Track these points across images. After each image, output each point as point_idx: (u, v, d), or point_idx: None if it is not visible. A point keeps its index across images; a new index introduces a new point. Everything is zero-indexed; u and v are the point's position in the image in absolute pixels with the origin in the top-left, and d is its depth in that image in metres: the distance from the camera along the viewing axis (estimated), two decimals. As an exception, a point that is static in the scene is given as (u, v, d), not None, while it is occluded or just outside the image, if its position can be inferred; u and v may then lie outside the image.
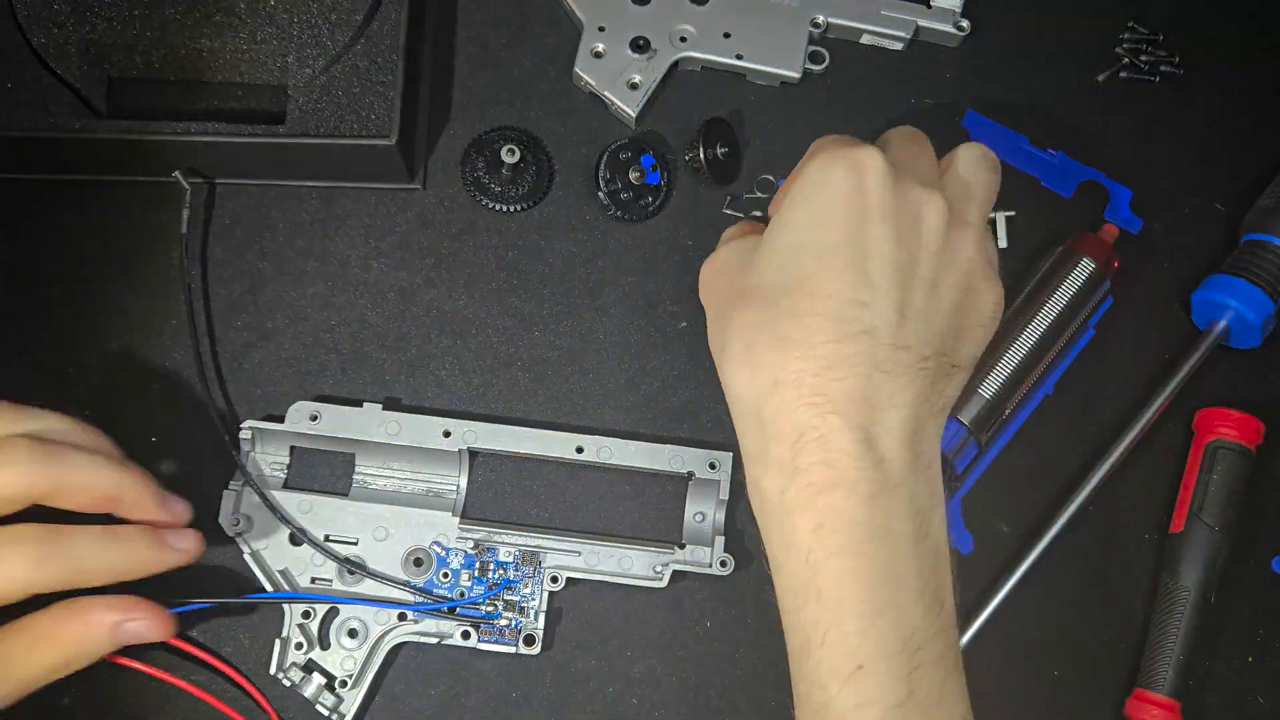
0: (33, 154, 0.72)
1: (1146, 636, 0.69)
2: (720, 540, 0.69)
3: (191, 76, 0.72)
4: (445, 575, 0.68)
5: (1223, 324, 0.72)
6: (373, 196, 0.75)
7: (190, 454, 0.70)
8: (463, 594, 0.68)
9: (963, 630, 0.69)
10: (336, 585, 0.67)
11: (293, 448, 0.69)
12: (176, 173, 0.71)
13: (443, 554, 0.68)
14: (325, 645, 0.66)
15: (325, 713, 0.66)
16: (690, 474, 0.69)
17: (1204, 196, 0.77)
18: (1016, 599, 0.70)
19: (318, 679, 0.65)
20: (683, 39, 0.77)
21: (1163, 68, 0.79)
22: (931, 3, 0.78)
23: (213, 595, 0.66)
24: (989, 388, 0.70)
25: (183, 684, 0.64)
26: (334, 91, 0.71)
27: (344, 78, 0.71)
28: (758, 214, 0.74)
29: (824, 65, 0.78)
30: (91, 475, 0.54)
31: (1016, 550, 0.71)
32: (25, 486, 0.52)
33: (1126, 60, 0.79)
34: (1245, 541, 0.71)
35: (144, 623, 0.56)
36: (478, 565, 0.68)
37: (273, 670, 0.66)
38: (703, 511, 0.70)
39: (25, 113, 0.69)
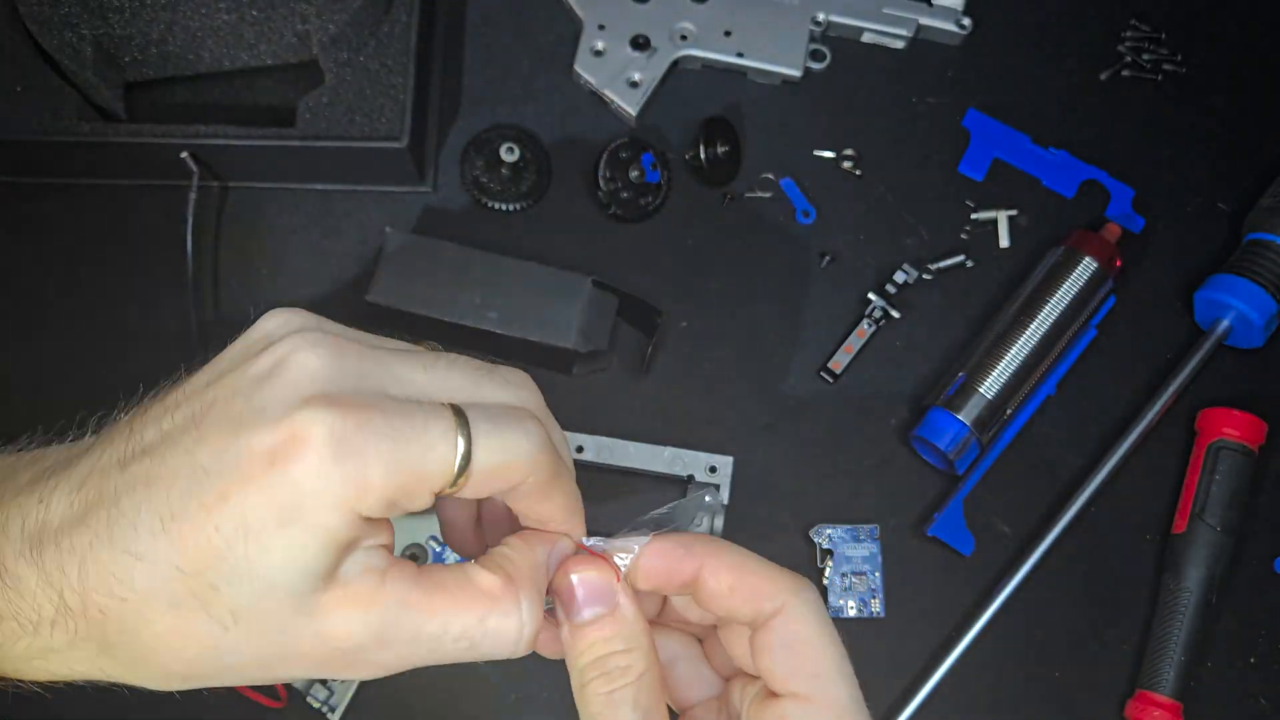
0: (39, 157, 0.72)
1: (1148, 637, 0.69)
2: (719, 542, 0.68)
3: (207, 67, 0.72)
4: (441, 572, 0.68)
5: (1225, 324, 0.72)
6: (384, 198, 0.75)
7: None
8: (459, 591, 0.67)
9: (965, 630, 0.69)
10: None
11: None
12: (184, 154, 0.70)
13: (438, 549, 0.68)
14: (319, 639, 0.66)
15: (317, 705, 0.66)
16: (690, 477, 0.69)
17: (1206, 196, 0.77)
18: (1018, 600, 0.69)
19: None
20: (683, 37, 0.76)
21: (1165, 66, 0.79)
22: (933, 1, 0.78)
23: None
24: (991, 388, 0.69)
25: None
26: (344, 94, 0.71)
27: (355, 80, 0.71)
28: None
29: (825, 63, 0.78)
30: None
31: (1018, 551, 0.70)
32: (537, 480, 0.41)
33: (1128, 59, 0.79)
34: (1247, 542, 0.71)
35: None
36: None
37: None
38: (701, 515, 0.69)
39: (33, 117, 0.69)
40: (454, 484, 0.38)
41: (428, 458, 0.38)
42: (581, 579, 0.42)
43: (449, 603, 0.39)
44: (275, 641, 0.38)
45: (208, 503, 0.36)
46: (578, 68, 0.76)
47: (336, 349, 0.39)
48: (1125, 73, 0.79)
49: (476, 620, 0.40)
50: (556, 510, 0.43)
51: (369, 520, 0.38)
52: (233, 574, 0.37)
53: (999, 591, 0.69)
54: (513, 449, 0.40)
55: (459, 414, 0.39)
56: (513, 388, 0.43)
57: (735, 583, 0.43)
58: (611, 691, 0.42)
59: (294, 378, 0.38)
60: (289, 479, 0.36)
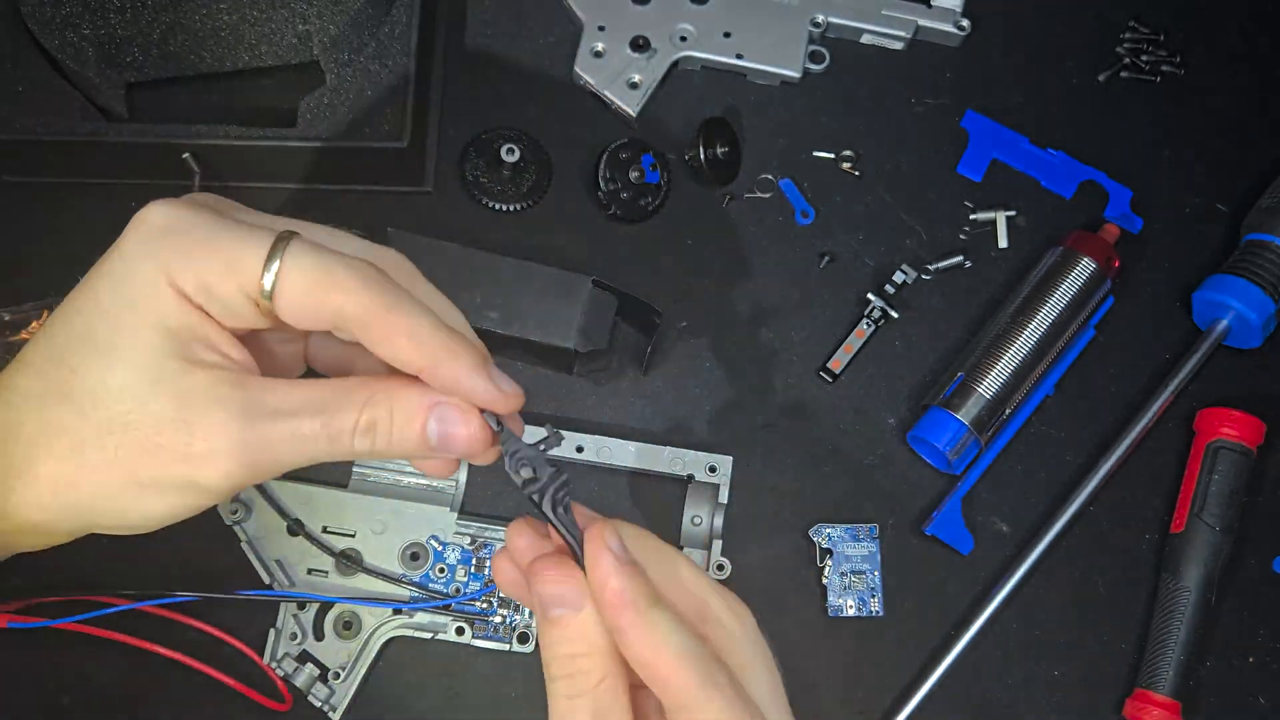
0: (41, 157, 0.72)
1: (1147, 637, 0.69)
2: (718, 544, 0.68)
3: (208, 67, 0.72)
4: (441, 570, 0.68)
5: (1223, 324, 0.72)
6: (384, 198, 0.75)
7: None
8: (458, 590, 0.67)
9: (964, 630, 0.69)
10: (333, 577, 0.67)
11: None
12: (186, 155, 0.70)
13: (440, 549, 0.68)
14: (320, 636, 0.66)
15: (317, 704, 0.66)
16: (690, 476, 0.69)
17: (1204, 196, 0.77)
18: (1017, 599, 0.70)
19: (311, 670, 0.66)
20: (683, 38, 0.77)
21: (1164, 67, 0.79)
22: (932, 2, 0.78)
23: (209, 586, 0.66)
24: (989, 388, 0.69)
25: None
26: (345, 94, 0.71)
27: (355, 80, 0.71)
28: None
29: (824, 65, 0.78)
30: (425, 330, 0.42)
31: (1017, 550, 0.70)
32: (358, 308, 0.42)
33: (1127, 60, 0.79)
34: (1246, 542, 0.71)
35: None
36: (474, 561, 0.68)
37: (266, 660, 0.65)
38: (700, 515, 0.69)
39: (35, 117, 0.69)
40: (266, 287, 0.41)
41: (244, 246, 0.41)
42: (549, 578, 0.43)
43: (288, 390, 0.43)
44: (136, 434, 0.41)
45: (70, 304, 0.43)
46: (578, 68, 0.76)
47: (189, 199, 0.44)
48: (1124, 74, 0.79)
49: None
50: (406, 350, 0.42)
51: (202, 315, 0.41)
52: (86, 351, 0.41)
53: (998, 590, 0.69)
54: (329, 261, 0.42)
55: (289, 235, 0.42)
56: (365, 248, 0.45)
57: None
58: (571, 697, 0.42)
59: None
60: (118, 249, 0.42)
